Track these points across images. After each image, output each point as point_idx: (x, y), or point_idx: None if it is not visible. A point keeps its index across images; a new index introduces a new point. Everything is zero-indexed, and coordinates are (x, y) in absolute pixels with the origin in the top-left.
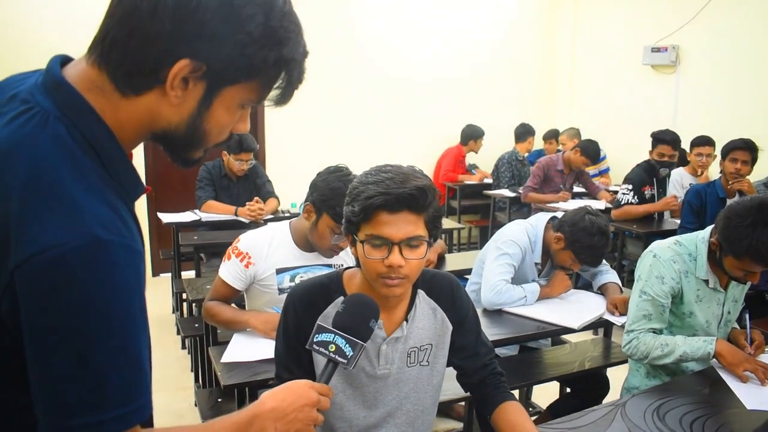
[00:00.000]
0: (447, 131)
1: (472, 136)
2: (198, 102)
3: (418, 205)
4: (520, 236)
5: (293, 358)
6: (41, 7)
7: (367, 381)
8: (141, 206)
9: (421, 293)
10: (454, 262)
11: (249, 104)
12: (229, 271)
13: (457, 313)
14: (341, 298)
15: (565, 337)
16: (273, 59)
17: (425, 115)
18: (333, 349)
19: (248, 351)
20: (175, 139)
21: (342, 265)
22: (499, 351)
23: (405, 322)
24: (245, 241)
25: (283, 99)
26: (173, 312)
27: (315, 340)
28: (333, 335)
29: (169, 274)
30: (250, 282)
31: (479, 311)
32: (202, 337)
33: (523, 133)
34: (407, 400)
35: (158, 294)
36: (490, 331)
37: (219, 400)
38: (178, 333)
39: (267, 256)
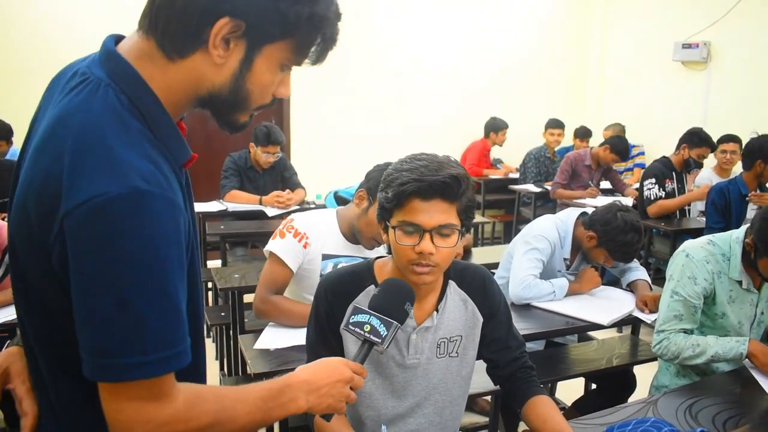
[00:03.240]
0: (472, 126)
1: (493, 128)
2: (240, 62)
3: (452, 193)
4: (550, 231)
5: (324, 345)
6: (46, 10)
7: (397, 370)
8: None
9: (452, 284)
10: (481, 256)
11: (288, 65)
12: (287, 249)
13: (489, 306)
14: (372, 287)
15: (592, 333)
16: (306, 15)
17: (450, 109)
18: (368, 330)
19: (281, 339)
20: (219, 101)
21: None
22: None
23: (435, 312)
24: (301, 220)
25: (318, 58)
26: None
27: (351, 320)
28: (368, 316)
29: None
30: (299, 265)
31: None
32: (228, 326)
33: (549, 124)
34: (435, 391)
35: None
36: (518, 326)
37: None
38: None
39: (317, 239)
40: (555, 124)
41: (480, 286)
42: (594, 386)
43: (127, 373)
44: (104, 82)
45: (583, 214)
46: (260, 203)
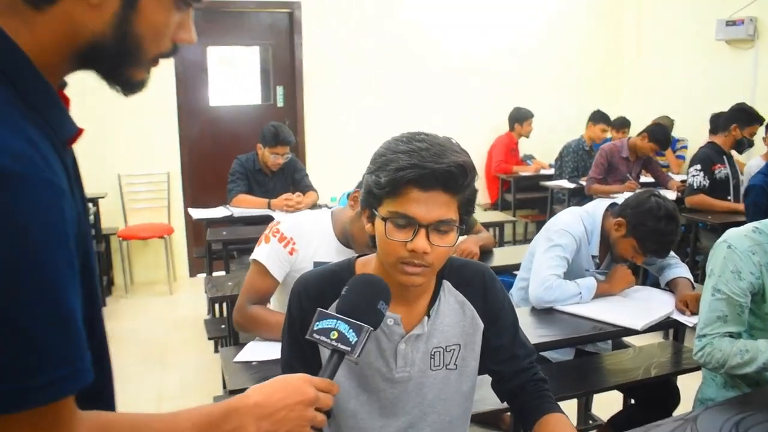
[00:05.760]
0: (498, 119)
1: (516, 118)
2: None
3: (456, 184)
4: (575, 225)
5: (298, 356)
6: None
7: (384, 385)
8: (177, 204)
9: (446, 285)
10: (503, 256)
11: (183, 3)
12: (270, 256)
13: (490, 309)
14: None
15: (629, 340)
16: None
17: (474, 103)
18: (335, 337)
19: (266, 351)
20: (105, 53)
21: None
22: (552, 355)
23: (427, 318)
24: (288, 223)
25: None
26: (208, 313)
27: (315, 327)
28: (335, 321)
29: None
30: (286, 273)
31: (527, 310)
32: (226, 339)
33: (595, 118)
34: (432, 409)
35: (195, 295)
36: (540, 332)
37: None
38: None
39: (308, 243)
40: (602, 119)
41: (479, 285)
42: (632, 400)
43: (11, 404)
44: None
45: (613, 204)
46: (269, 207)
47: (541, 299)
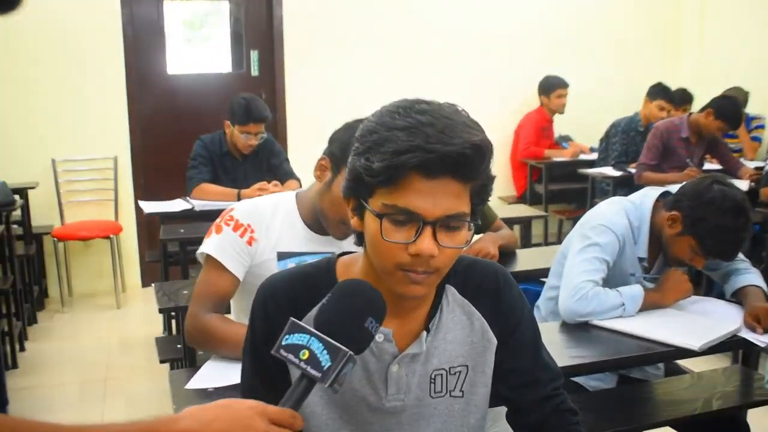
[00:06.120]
0: (527, 91)
1: (544, 89)
2: None
3: (470, 169)
4: (617, 219)
5: (262, 379)
6: None
7: (371, 416)
8: (127, 197)
9: (450, 290)
10: (528, 259)
11: None
12: (223, 248)
13: (505, 320)
14: None
15: (685, 364)
16: None
17: (497, 71)
18: (305, 357)
19: (227, 374)
20: None
21: None
22: (588, 382)
23: (426, 333)
24: (243, 208)
25: None
26: (164, 331)
27: (283, 342)
28: (308, 337)
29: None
30: (246, 269)
31: (556, 325)
32: (182, 361)
33: (655, 93)
34: None
35: (147, 309)
36: (572, 353)
37: None
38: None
39: (268, 229)
40: (661, 94)
41: (491, 290)
42: None
43: None
44: None
45: (665, 194)
46: (238, 199)
47: (574, 312)
